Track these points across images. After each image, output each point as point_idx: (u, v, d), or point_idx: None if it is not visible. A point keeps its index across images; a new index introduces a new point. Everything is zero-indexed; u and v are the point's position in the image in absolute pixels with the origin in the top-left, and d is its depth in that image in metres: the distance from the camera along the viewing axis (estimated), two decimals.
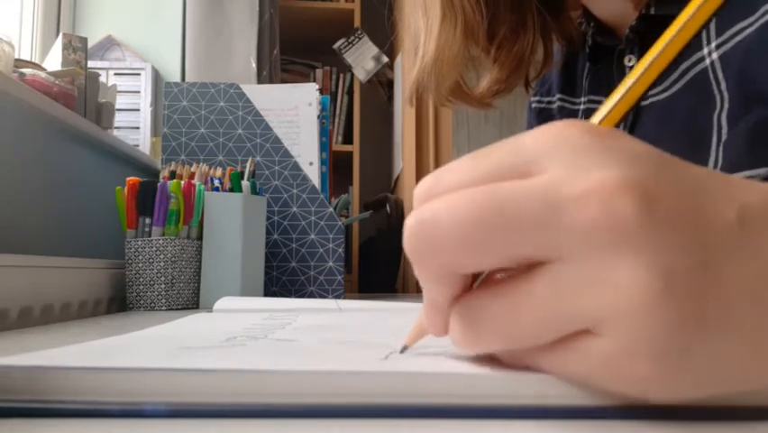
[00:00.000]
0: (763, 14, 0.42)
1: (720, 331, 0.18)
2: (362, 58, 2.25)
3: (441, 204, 0.19)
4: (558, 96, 0.63)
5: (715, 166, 0.43)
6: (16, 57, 0.84)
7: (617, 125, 0.24)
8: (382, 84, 2.30)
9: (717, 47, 0.45)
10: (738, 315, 0.18)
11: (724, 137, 0.43)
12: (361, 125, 2.24)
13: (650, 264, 0.17)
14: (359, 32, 2.25)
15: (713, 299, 0.18)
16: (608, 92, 0.56)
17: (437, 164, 1.89)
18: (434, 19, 0.54)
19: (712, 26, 0.45)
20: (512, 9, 0.56)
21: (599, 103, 0.57)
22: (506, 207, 0.18)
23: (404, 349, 0.25)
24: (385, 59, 2.25)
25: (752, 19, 0.42)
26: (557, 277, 0.18)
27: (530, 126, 0.69)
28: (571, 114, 0.62)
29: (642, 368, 0.17)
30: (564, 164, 0.18)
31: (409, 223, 0.19)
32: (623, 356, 0.17)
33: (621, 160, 0.18)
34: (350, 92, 2.35)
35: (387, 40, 2.35)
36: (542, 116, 0.66)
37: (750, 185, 0.20)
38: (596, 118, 0.23)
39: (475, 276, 0.21)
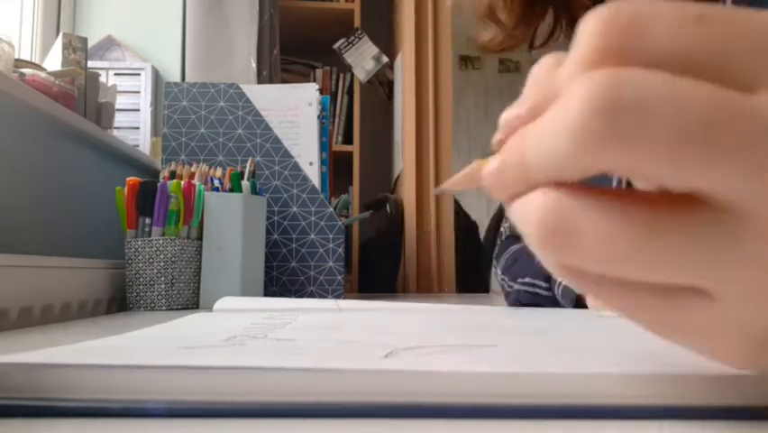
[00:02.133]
0: None
1: None
2: (362, 58, 2.25)
3: (659, 83, 0.13)
4: None
5: None
6: (16, 57, 0.84)
7: None
8: (382, 84, 2.30)
9: None
10: None
11: None
12: (361, 125, 2.24)
13: None
14: (359, 32, 2.25)
15: None
16: None
17: (437, 164, 1.89)
18: None
19: None
20: None
21: None
22: (724, 109, 0.13)
23: (440, 190, 0.23)
24: (385, 59, 2.25)
25: None
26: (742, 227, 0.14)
27: None
28: None
29: None
30: None
31: (597, 82, 0.14)
32: None
33: None
34: (350, 92, 2.35)
35: (387, 40, 2.35)
36: None
37: None
38: None
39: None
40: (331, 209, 0.92)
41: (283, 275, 0.91)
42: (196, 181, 0.76)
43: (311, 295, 0.90)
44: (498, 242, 0.78)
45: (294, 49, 2.35)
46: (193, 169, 0.80)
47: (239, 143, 0.92)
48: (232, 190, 0.76)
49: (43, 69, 0.89)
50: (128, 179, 0.72)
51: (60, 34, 0.99)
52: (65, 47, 0.97)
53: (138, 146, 1.33)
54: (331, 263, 0.91)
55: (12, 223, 0.70)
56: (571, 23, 0.59)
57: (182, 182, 0.73)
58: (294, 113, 0.95)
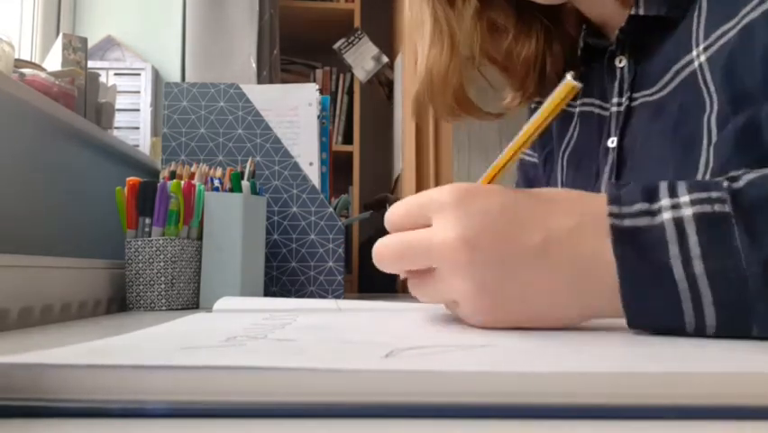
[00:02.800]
0: (743, 17, 0.42)
1: (516, 309, 0.33)
2: (362, 58, 2.25)
3: (386, 240, 0.37)
4: None
5: (706, 168, 0.44)
6: (16, 57, 0.84)
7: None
8: (382, 84, 2.30)
9: (705, 49, 0.45)
10: (528, 301, 0.33)
11: (714, 139, 0.44)
12: (361, 125, 2.24)
13: (471, 282, 0.33)
14: (359, 32, 2.25)
15: (511, 294, 0.33)
16: (599, 94, 0.57)
17: (437, 164, 1.89)
18: (425, 43, 0.61)
19: (701, 29, 0.46)
20: (515, 21, 0.60)
21: (592, 105, 0.58)
22: (410, 246, 0.35)
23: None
24: (385, 59, 2.25)
25: (734, 22, 0.43)
26: (436, 279, 0.35)
27: None
28: (566, 115, 0.62)
29: (479, 320, 0.34)
30: (440, 223, 0.34)
31: (374, 247, 0.37)
32: (469, 316, 0.35)
33: (464, 222, 0.33)
34: (350, 92, 2.35)
35: (387, 40, 2.35)
36: None
37: (570, 212, 0.33)
38: (482, 178, 0.39)
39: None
40: (331, 209, 0.92)
41: (283, 275, 0.91)
42: (196, 181, 0.76)
43: (311, 295, 0.90)
44: None
45: (294, 49, 2.35)
46: (193, 169, 0.80)
47: (239, 143, 0.92)
48: (232, 190, 0.76)
49: (43, 69, 0.89)
50: (128, 179, 0.71)
51: (60, 34, 0.99)
52: (65, 47, 0.97)
53: (138, 146, 1.33)
54: (331, 263, 0.91)
55: (12, 223, 0.70)
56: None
57: (182, 182, 0.73)
58: (294, 113, 0.95)
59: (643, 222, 0.31)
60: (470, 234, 0.32)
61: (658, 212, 0.31)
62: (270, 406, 0.19)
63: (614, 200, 0.32)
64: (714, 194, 0.31)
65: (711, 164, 0.43)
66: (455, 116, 0.64)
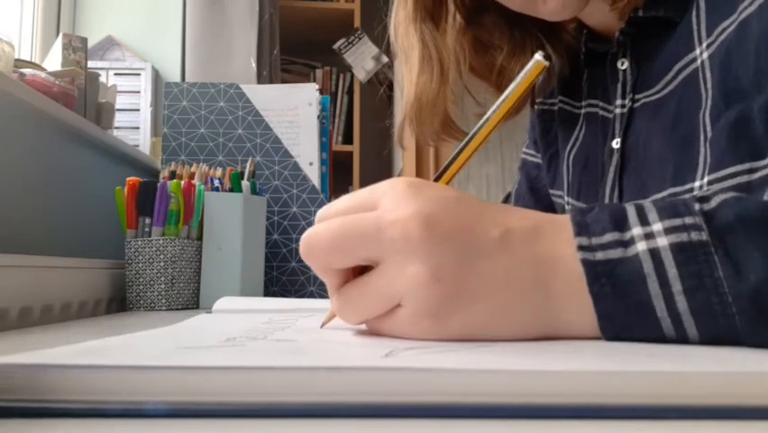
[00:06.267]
0: (741, 12, 0.43)
1: (472, 304, 0.29)
2: (362, 58, 2.25)
3: (320, 226, 0.30)
4: (559, 98, 0.64)
5: (704, 163, 0.44)
6: (16, 57, 0.84)
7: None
8: (382, 84, 2.30)
9: (708, 47, 0.46)
10: (487, 295, 0.29)
11: (710, 135, 0.44)
12: (361, 125, 2.24)
13: (425, 263, 0.28)
14: (359, 32, 2.25)
15: (469, 284, 0.29)
16: (603, 96, 0.57)
17: (437, 164, 1.89)
18: (414, 69, 0.59)
19: (703, 27, 0.46)
20: (508, 37, 0.59)
21: (596, 107, 0.58)
22: (353, 229, 0.30)
23: (322, 325, 0.36)
24: (385, 59, 2.25)
25: (733, 17, 0.44)
26: (381, 272, 0.30)
27: (532, 125, 0.70)
28: (571, 116, 0.62)
29: (423, 324, 0.29)
30: (390, 203, 0.30)
31: (302, 236, 0.31)
32: (413, 317, 0.29)
33: (420, 200, 0.29)
34: (350, 92, 2.35)
35: (387, 40, 2.35)
36: (543, 117, 0.67)
37: (526, 216, 0.31)
38: (440, 178, 0.37)
39: (355, 271, 0.32)
40: None
41: (283, 275, 0.91)
42: (196, 181, 0.76)
43: (311, 295, 0.90)
44: None
45: (294, 49, 2.35)
46: (193, 169, 0.80)
47: (239, 143, 0.92)
48: (232, 190, 0.76)
49: (43, 69, 0.89)
50: (128, 179, 0.72)
51: (60, 34, 0.99)
52: (65, 47, 0.97)
53: (138, 146, 1.33)
54: None
55: (12, 223, 0.70)
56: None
57: (182, 182, 0.73)
58: (294, 113, 0.95)
59: (616, 254, 0.29)
60: (427, 210, 0.29)
61: (631, 242, 0.29)
62: (270, 406, 0.19)
63: (581, 230, 0.30)
64: (688, 220, 0.28)
65: (709, 159, 0.44)
66: (439, 141, 0.63)
